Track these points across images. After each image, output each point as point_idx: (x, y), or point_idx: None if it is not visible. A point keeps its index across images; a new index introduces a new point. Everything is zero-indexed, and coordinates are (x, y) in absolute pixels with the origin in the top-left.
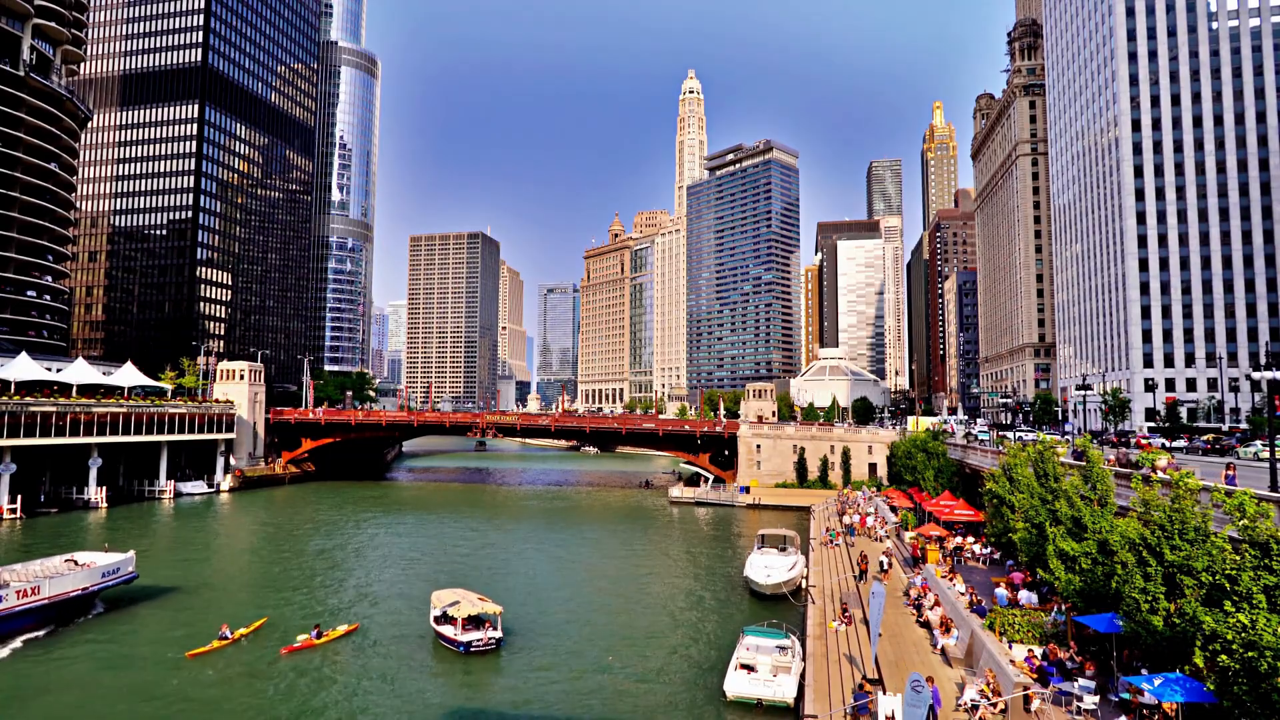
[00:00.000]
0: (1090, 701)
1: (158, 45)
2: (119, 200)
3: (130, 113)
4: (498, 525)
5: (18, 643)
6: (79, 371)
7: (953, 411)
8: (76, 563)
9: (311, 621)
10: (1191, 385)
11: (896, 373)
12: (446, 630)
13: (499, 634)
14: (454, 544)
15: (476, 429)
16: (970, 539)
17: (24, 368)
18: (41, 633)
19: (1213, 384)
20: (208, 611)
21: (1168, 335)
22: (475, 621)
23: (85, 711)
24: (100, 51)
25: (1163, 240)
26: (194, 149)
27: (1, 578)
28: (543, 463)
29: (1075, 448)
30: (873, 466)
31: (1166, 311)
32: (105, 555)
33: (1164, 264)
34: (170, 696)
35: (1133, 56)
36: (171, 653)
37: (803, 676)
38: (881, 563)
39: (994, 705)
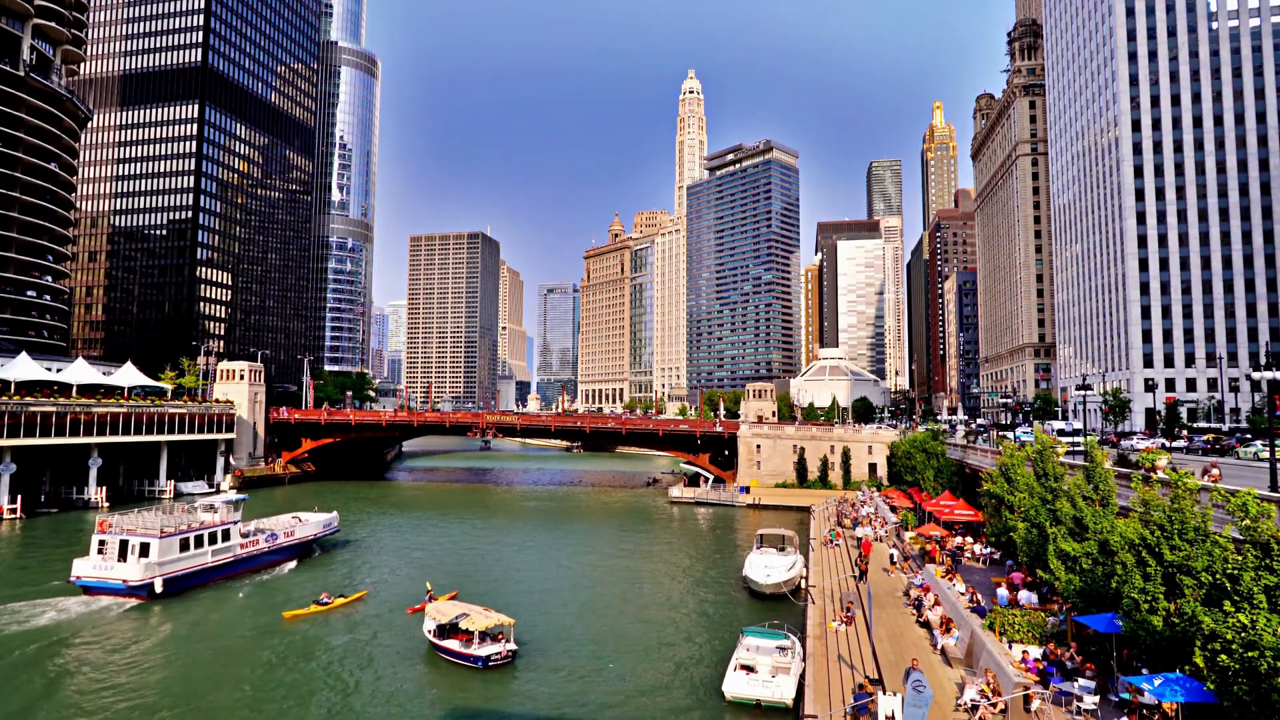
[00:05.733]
0: (1090, 701)
1: (158, 45)
2: (119, 200)
3: (130, 113)
4: (497, 526)
5: (284, 569)
6: (79, 371)
7: (953, 411)
8: (299, 518)
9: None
10: (1191, 385)
11: (896, 373)
12: (452, 644)
13: (514, 645)
14: (455, 545)
15: (477, 429)
16: (970, 539)
17: (24, 368)
18: (294, 564)
19: (1213, 384)
20: (378, 564)
21: (1168, 335)
22: (487, 634)
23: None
24: (100, 51)
25: (1163, 240)
26: (194, 149)
27: (270, 525)
28: (542, 463)
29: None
30: (873, 466)
31: (1166, 311)
32: (319, 514)
33: (1164, 264)
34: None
35: (1133, 56)
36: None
37: (802, 677)
38: (891, 555)
39: (994, 705)
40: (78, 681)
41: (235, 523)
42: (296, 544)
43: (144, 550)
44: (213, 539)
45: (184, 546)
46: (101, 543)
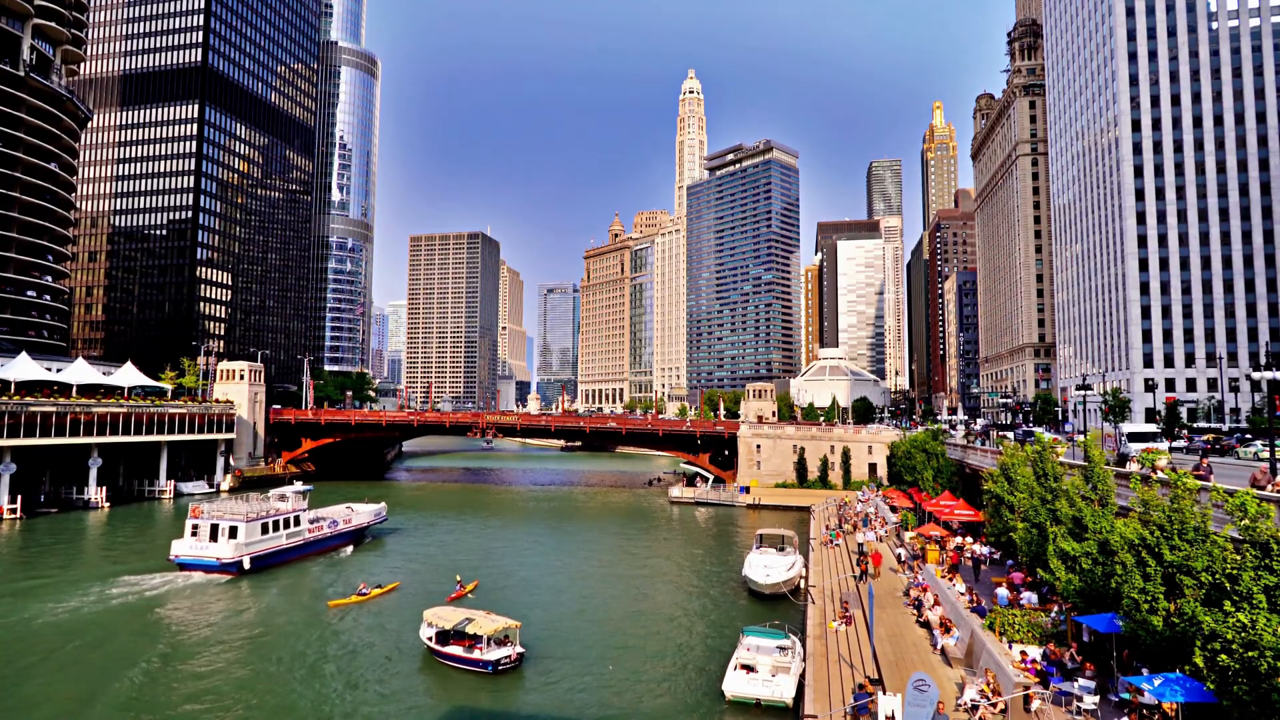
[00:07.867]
0: (1090, 701)
1: (158, 45)
2: (119, 200)
3: (130, 113)
4: (497, 527)
5: (345, 552)
6: (79, 371)
7: (953, 411)
8: (352, 508)
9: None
10: (1191, 385)
11: (896, 373)
12: (455, 650)
13: (521, 649)
14: (455, 546)
15: (477, 429)
16: (970, 539)
17: (24, 368)
18: (351, 549)
19: (1213, 384)
20: (419, 549)
21: (1168, 335)
22: (492, 638)
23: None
24: (100, 51)
25: (1163, 240)
26: (194, 149)
27: (327, 514)
28: (542, 463)
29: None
30: (873, 466)
31: (1166, 311)
32: (369, 505)
33: (1164, 264)
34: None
35: (1133, 56)
36: (411, 568)
37: (802, 676)
38: (899, 555)
39: (994, 705)
40: (201, 642)
41: (304, 510)
42: (353, 530)
43: (233, 533)
44: (286, 524)
45: (264, 530)
46: (195, 526)
